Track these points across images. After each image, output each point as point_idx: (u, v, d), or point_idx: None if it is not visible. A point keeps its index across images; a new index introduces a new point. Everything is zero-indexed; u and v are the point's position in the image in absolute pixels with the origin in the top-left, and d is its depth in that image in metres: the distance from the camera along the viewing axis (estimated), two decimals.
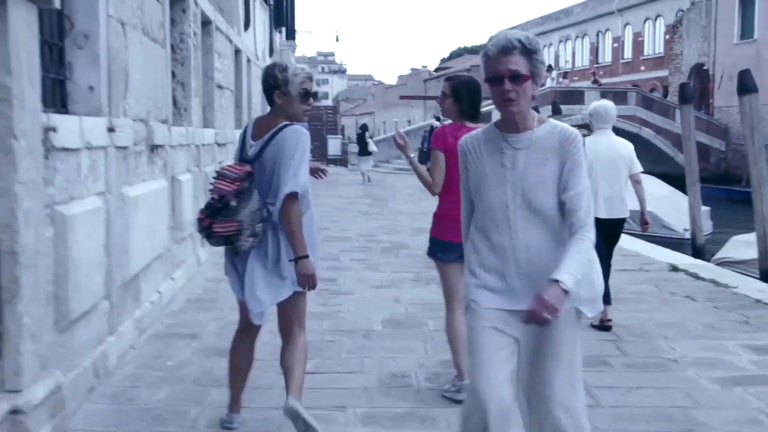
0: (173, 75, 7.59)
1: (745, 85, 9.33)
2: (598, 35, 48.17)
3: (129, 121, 5.37)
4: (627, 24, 44.75)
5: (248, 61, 14.51)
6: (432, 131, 20.48)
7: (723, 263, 10.60)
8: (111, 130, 4.83)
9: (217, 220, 3.46)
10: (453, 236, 3.90)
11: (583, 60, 50.11)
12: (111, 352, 4.78)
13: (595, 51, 48.48)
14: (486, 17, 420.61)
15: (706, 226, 14.83)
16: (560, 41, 53.05)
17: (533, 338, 2.69)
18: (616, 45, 46.00)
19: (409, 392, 4.55)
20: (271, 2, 18.97)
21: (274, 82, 3.58)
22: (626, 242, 11.14)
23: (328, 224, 12.11)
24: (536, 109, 12.58)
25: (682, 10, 37.29)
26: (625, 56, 44.96)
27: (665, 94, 37.15)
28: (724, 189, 28.55)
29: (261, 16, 17.66)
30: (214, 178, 3.56)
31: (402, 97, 62.96)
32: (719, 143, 32.91)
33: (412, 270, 8.43)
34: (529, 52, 2.57)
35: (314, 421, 3.46)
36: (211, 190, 3.52)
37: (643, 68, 42.77)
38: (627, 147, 6.27)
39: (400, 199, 17.85)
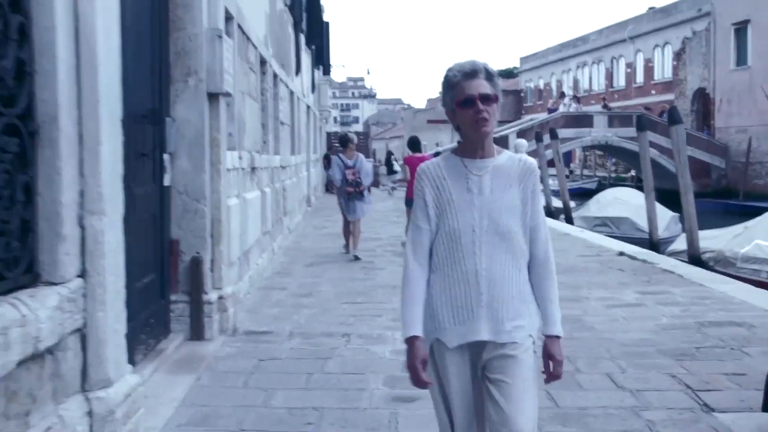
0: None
1: (673, 118, 12.49)
2: (612, 61, 51.18)
3: (245, 153, 8.73)
4: (638, 51, 47.72)
5: (298, 99, 17.95)
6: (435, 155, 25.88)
7: (672, 254, 13.62)
8: (240, 158, 8.17)
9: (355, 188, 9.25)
10: None
11: (599, 84, 53.10)
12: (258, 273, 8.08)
13: (609, 76, 51.46)
14: (510, 43, 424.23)
15: (676, 229, 17.74)
16: (578, 67, 56.12)
17: (496, 364, 2.67)
18: (629, 70, 48.96)
19: None
20: (313, 47, 22.42)
21: (348, 139, 8.10)
22: (594, 238, 14.34)
23: (365, 230, 15.39)
24: (539, 136, 16.72)
25: (688, 38, 40.26)
26: (637, 81, 47.89)
27: None
28: (722, 203, 31.32)
29: (305, 60, 21.12)
30: (349, 177, 10.28)
31: (429, 121, 66.08)
32: (719, 161, 35.73)
33: None
34: (491, 77, 2.67)
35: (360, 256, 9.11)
36: (349, 181, 10.01)
37: (653, 92, 45.64)
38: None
39: None
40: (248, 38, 9.14)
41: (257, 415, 4.60)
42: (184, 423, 4.44)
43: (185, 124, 6.15)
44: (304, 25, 17.95)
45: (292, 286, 9.22)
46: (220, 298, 6.48)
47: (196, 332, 6.21)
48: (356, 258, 11.31)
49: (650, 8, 48.24)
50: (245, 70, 8.87)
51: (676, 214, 18.72)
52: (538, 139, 22.36)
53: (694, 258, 12.12)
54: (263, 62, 10.94)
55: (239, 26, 8.22)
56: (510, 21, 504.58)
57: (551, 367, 2.75)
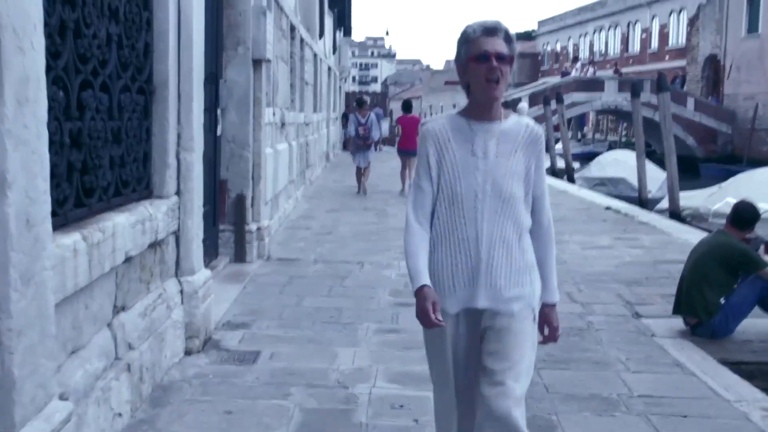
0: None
1: (660, 86, 13.73)
2: (628, 26, 51.79)
3: (278, 110, 10.12)
4: (654, 16, 48.32)
5: (321, 60, 19.24)
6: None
7: (659, 211, 14.93)
8: (273, 114, 9.56)
9: (364, 141, 10.89)
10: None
11: (615, 49, 53.77)
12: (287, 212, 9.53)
13: (625, 41, 52.11)
14: (530, 5, 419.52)
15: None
16: (595, 31, 56.72)
17: (494, 333, 2.67)
18: (644, 36, 49.61)
19: None
20: (335, 10, 23.62)
21: (362, 101, 9.17)
22: (588, 195, 15.68)
23: (380, 183, 16.79)
24: (547, 99, 18.25)
25: (702, 4, 40.90)
26: (652, 46, 48.57)
27: (682, 83, 40.94)
28: (725, 168, 32.40)
29: (328, 22, 22.34)
30: (360, 132, 12.23)
31: (447, 83, 66.85)
32: (726, 127, 36.69)
33: None
34: (510, 40, 2.63)
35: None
36: (360, 134, 11.76)
37: (667, 57, 46.34)
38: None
39: None
40: (281, 9, 10.48)
41: (292, 310, 6.08)
42: (238, 313, 5.93)
43: (234, 84, 7.54)
44: None
45: (315, 226, 10.67)
46: (258, 229, 7.94)
47: (240, 255, 7.67)
48: (364, 193, 14.48)
49: None
50: (278, 37, 10.22)
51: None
52: (546, 102, 23.54)
53: (675, 214, 13.46)
54: (293, 28, 12.26)
55: (276, 1, 9.56)
56: None
57: (547, 331, 2.81)
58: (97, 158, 3.61)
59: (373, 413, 4.00)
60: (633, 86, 16.90)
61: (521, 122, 2.74)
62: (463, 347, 2.73)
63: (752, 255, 5.69)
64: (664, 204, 15.27)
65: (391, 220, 11.43)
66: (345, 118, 32.36)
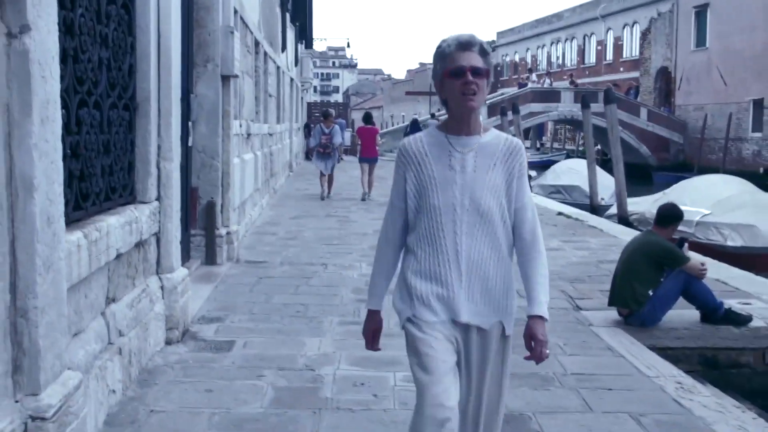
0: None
1: (608, 98, 14.53)
2: (584, 38, 53.13)
3: (245, 121, 10.62)
4: (609, 29, 49.68)
5: (283, 73, 19.75)
6: (413, 123, 25.70)
7: (609, 216, 15.70)
8: (240, 125, 10.07)
9: (324, 149, 11.33)
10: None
11: (571, 60, 55.08)
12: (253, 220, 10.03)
13: (581, 53, 53.44)
14: (489, 17, 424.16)
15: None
16: (552, 43, 58.02)
17: (472, 352, 2.70)
18: (599, 48, 50.96)
19: None
20: (297, 24, 24.16)
21: (328, 113, 9.95)
22: (542, 201, 16.40)
23: (342, 191, 17.32)
24: (503, 110, 19.08)
25: (654, 18, 42.27)
26: (607, 58, 49.93)
27: (636, 94, 42.22)
28: (676, 176, 33.54)
29: (290, 36, 22.86)
30: (323, 141, 12.61)
31: (408, 93, 67.75)
32: (678, 136, 37.99)
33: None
34: (485, 53, 2.64)
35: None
36: (322, 143, 12.30)
37: (622, 69, 47.69)
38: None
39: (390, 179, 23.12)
40: (247, 26, 11.00)
41: (262, 306, 6.60)
42: (212, 309, 6.44)
43: (204, 99, 8.05)
44: (289, 5, 19.70)
45: (280, 232, 11.18)
46: (228, 233, 8.44)
47: (210, 258, 8.16)
48: (328, 197, 15.73)
49: None
50: (244, 52, 10.73)
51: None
52: (503, 113, 24.31)
53: (623, 219, 14.23)
54: (257, 43, 12.79)
55: (241, 18, 10.08)
56: None
57: (533, 347, 2.72)
58: (92, 167, 4.11)
59: (338, 390, 4.54)
60: (583, 98, 17.74)
61: (500, 136, 2.74)
62: (441, 354, 2.64)
63: (675, 251, 6.36)
64: (614, 210, 16.07)
65: (353, 225, 11.98)
66: (307, 128, 32.86)
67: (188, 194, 7.90)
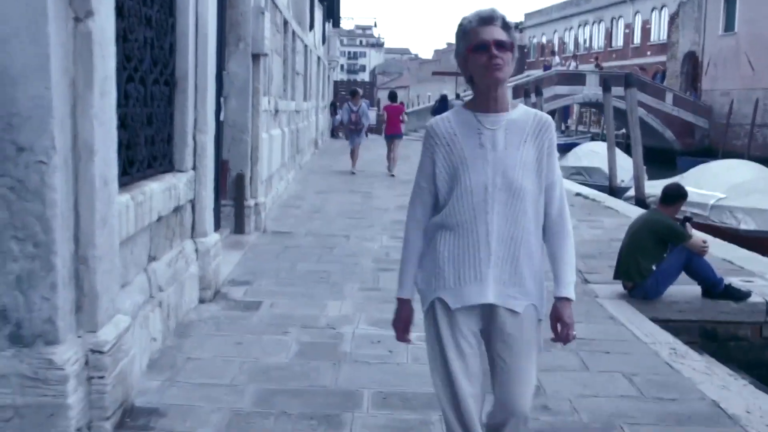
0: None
1: (628, 82, 14.76)
2: (612, 21, 52.87)
3: (273, 98, 11.04)
4: (637, 12, 49.42)
5: (310, 51, 20.12)
6: (441, 100, 26.15)
7: (627, 198, 15.97)
8: (269, 102, 10.49)
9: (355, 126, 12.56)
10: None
11: (598, 43, 54.86)
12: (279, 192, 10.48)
13: (609, 36, 53.22)
14: None
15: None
16: (579, 25, 57.78)
17: (501, 335, 2.64)
18: (627, 31, 50.73)
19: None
20: (325, 2, 24.48)
21: (355, 91, 10.45)
22: (563, 182, 16.69)
23: (366, 168, 17.72)
24: (527, 92, 19.50)
25: (682, 2, 42.03)
26: (635, 42, 49.70)
27: (662, 78, 42.08)
28: (700, 161, 33.51)
29: (318, 15, 23.20)
30: (353, 118, 13.42)
31: (434, 73, 67.78)
32: (704, 122, 37.86)
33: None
34: (508, 27, 2.59)
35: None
36: (352, 120, 13.72)
37: (649, 53, 47.49)
38: None
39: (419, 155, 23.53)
40: (276, 5, 11.38)
41: (287, 272, 7.04)
42: (241, 273, 6.89)
43: (235, 76, 8.46)
44: None
45: (305, 205, 11.62)
46: (256, 204, 8.89)
47: (239, 227, 8.62)
48: (353, 173, 16.45)
49: None
50: (273, 32, 11.12)
51: (644, 167, 21.07)
52: (526, 95, 24.52)
53: (640, 201, 14.49)
54: (286, 23, 13.16)
55: None
56: None
57: (559, 329, 2.70)
58: (137, 137, 4.54)
59: (356, 345, 4.97)
60: (605, 81, 17.95)
61: (529, 111, 2.67)
62: (468, 341, 2.63)
63: (678, 229, 6.69)
64: (632, 192, 16.32)
65: (375, 201, 12.40)
66: (333, 106, 33.28)
67: (219, 166, 8.33)
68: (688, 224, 6.97)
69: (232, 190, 8.61)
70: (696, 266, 6.70)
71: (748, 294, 6.80)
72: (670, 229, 6.67)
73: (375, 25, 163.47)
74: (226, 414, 3.80)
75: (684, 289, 6.92)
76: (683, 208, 13.25)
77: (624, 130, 42.38)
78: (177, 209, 5.32)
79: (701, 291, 6.86)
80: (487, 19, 2.58)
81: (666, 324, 6.37)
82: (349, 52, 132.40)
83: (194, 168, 5.73)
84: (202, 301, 5.78)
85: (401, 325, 2.81)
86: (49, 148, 3.06)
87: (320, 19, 23.99)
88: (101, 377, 3.35)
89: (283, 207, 11.31)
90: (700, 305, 6.79)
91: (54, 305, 3.14)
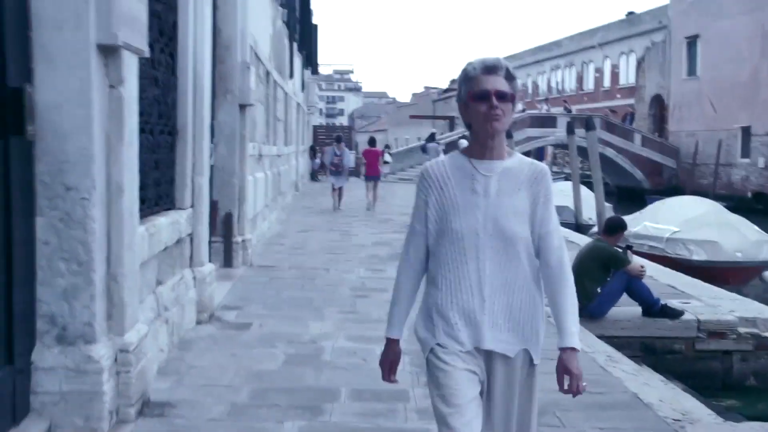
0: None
1: (588, 126, 15.86)
2: (582, 66, 54.66)
3: (257, 144, 11.94)
4: (606, 57, 51.18)
5: (290, 98, 21.12)
6: (429, 137, 29.10)
7: (591, 234, 16.91)
8: (253, 148, 11.38)
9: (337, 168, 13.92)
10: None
11: (570, 87, 56.59)
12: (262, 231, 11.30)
13: (580, 80, 54.94)
14: (491, 43, 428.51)
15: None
16: (551, 69, 59.59)
17: (497, 381, 2.62)
18: (597, 75, 52.47)
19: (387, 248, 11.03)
20: (304, 52, 25.60)
21: (340, 138, 11.93)
22: None
23: (344, 209, 18.61)
24: (509, 134, 20.66)
25: (648, 48, 43.77)
26: (605, 85, 51.40)
27: (631, 120, 43.64)
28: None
29: (297, 63, 24.28)
30: (335, 161, 15.37)
31: (412, 116, 69.18)
32: (671, 162, 39.29)
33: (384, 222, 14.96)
34: (511, 77, 2.61)
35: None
36: (335, 163, 14.95)
37: (619, 96, 49.13)
38: None
39: (396, 197, 24.50)
40: (259, 59, 12.34)
41: (274, 299, 7.86)
42: (232, 300, 7.70)
43: (224, 124, 9.36)
44: (297, 36, 21.13)
45: (288, 243, 12.46)
46: (243, 240, 9.72)
47: (228, 261, 9.43)
48: (338, 209, 18.28)
49: (629, 13, 51.30)
50: (257, 83, 12.07)
51: (610, 204, 22.11)
52: None
53: None
54: (268, 73, 14.13)
55: (255, 53, 11.43)
56: (492, 21, 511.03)
57: (566, 381, 2.65)
58: (147, 179, 5.39)
59: (335, 356, 5.79)
60: (568, 124, 19.12)
61: (524, 161, 2.68)
62: (464, 384, 2.59)
63: (618, 255, 7.61)
64: (596, 228, 17.31)
65: (354, 238, 13.26)
66: (312, 150, 34.29)
67: (210, 206, 9.18)
68: (629, 251, 7.89)
69: (221, 228, 9.43)
70: (635, 288, 7.60)
71: (681, 313, 7.70)
72: (611, 256, 7.58)
73: (352, 72, 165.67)
74: (226, 406, 4.61)
75: (626, 309, 7.81)
76: (642, 242, 14.27)
77: None
78: (179, 241, 6.15)
79: (641, 310, 7.75)
80: (491, 68, 2.61)
81: (611, 340, 7.23)
82: (328, 97, 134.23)
83: (192, 206, 6.57)
84: (199, 322, 6.57)
85: (388, 365, 2.80)
86: (90, 187, 3.90)
87: (299, 68, 25.08)
88: (127, 372, 4.15)
89: (268, 244, 12.13)
90: (640, 323, 7.69)
91: (92, 312, 3.95)
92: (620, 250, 7.85)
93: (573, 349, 2.65)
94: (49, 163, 3.86)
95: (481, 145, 2.64)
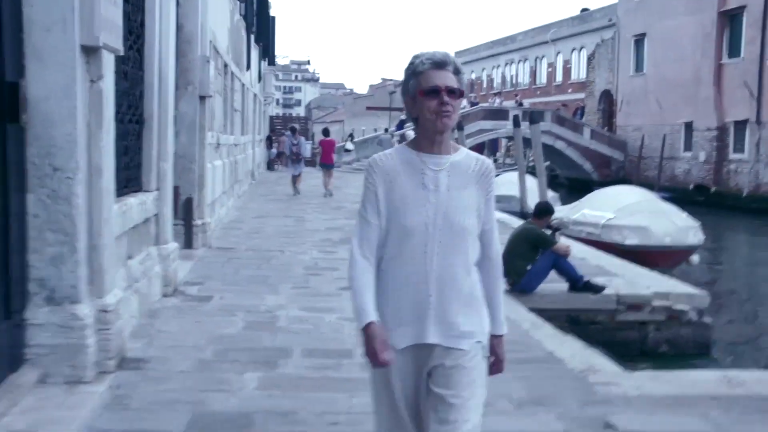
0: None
1: (533, 119, 16.72)
2: (536, 60, 55.84)
3: (215, 133, 12.51)
4: (558, 52, 52.40)
5: (247, 89, 21.65)
6: (399, 124, 30.17)
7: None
8: (212, 137, 11.96)
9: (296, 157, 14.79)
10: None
11: (524, 81, 57.78)
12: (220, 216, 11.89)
13: (533, 74, 56.15)
14: (447, 36, 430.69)
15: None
16: (506, 64, 60.71)
17: (444, 374, 2.59)
18: (550, 70, 53.68)
19: (339, 233, 11.71)
20: (261, 44, 26.09)
21: (295, 128, 12.72)
22: None
23: (299, 196, 19.24)
24: (459, 126, 21.52)
25: (598, 44, 45.03)
26: (557, 80, 52.64)
27: (582, 114, 44.90)
28: None
29: (254, 55, 24.78)
30: (294, 150, 16.41)
31: (369, 108, 69.64)
32: (619, 155, 40.58)
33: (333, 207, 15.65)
34: (458, 72, 2.59)
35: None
36: (293, 152, 15.71)
37: (570, 90, 50.38)
38: None
39: (350, 186, 25.17)
40: (218, 52, 12.90)
41: (232, 276, 8.51)
42: (194, 277, 8.33)
43: (185, 115, 9.93)
44: (254, 28, 21.65)
45: (245, 227, 13.07)
46: (202, 223, 10.32)
47: (188, 243, 10.02)
48: (297, 194, 19.37)
49: (583, 9, 52.42)
50: (216, 75, 12.64)
51: (556, 194, 23.07)
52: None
53: None
54: (226, 65, 14.69)
55: (214, 46, 12.00)
56: (448, 14, 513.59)
57: (491, 360, 2.73)
58: (117, 163, 5.99)
59: (288, 322, 6.48)
60: (514, 118, 20.02)
61: (471, 155, 2.69)
62: (410, 384, 2.63)
63: (545, 236, 8.42)
64: None
65: (307, 224, 13.93)
66: (269, 140, 34.78)
67: (171, 191, 9.76)
68: (557, 233, 8.70)
69: (182, 212, 10.01)
70: (562, 266, 8.42)
71: (603, 288, 8.54)
72: (539, 237, 8.39)
73: (309, 63, 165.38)
74: (193, 362, 5.27)
75: (553, 285, 8.63)
76: (580, 228, 15.14)
77: (549, 162, 45.12)
78: (146, 221, 6.77)
79: (568, 286, 8.57)
80: (441, 63, 2.58)
81: (541, 312, 8.00)
82: (285, 87, 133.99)
83: (158, 189, 7.18)
84: (165, 295, 7.20)
85: (378, 345, 2.56)
86: (75, 168, 4.52)
87: (256, 59, 25.57)
88: (107, 329, 4.79)
89: (226, 229, 12.73)
90: (567, 297, 8.52)
91: (77, 276, 4.58)
92: (548, 232, 8.66)
93: (502, 335, 2.77)
94: (39, 147, 4.48)
95: (429, 140, 2.64)
